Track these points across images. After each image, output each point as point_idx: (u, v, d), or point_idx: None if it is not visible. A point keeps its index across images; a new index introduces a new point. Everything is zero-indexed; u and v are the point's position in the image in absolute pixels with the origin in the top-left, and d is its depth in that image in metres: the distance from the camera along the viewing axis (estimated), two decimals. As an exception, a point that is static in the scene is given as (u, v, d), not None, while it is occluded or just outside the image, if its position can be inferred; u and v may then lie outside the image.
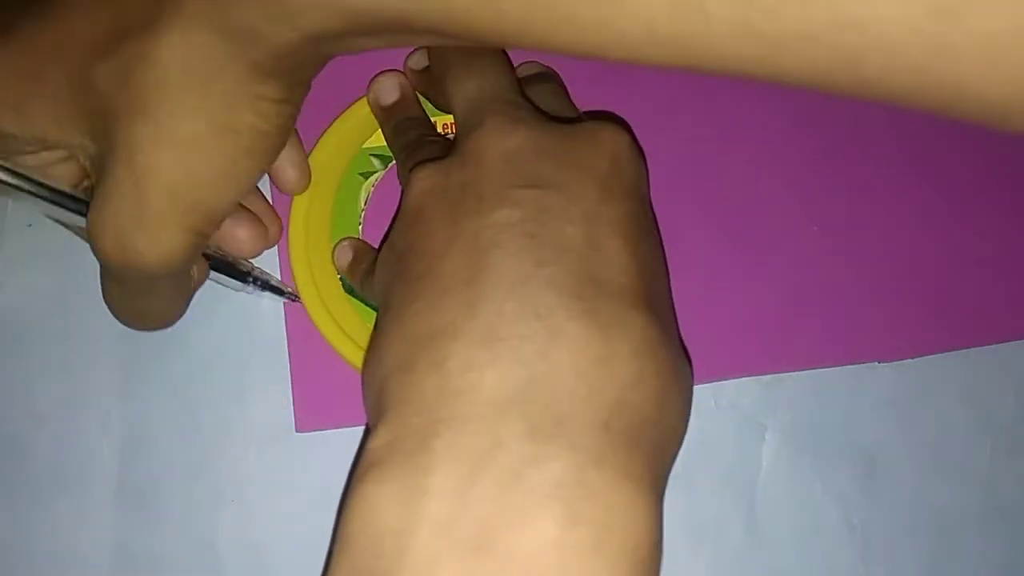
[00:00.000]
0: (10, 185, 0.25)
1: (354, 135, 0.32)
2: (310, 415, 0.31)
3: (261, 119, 0.23)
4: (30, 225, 0.33)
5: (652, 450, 0.20)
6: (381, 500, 0.19)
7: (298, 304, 0.31)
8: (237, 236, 0.29)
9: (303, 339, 0.32)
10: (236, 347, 0.32)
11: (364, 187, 0.33)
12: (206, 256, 0.29)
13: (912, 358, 0.33)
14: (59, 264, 0.33)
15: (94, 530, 0.31)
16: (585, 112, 0.30)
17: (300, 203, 0.32)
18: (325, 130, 0.32)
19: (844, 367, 0.33)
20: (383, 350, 0.22)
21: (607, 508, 0.19)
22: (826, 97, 0.36)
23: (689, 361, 0.24)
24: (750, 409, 0.33)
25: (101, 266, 0.26)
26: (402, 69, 0.32)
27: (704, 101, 0.35)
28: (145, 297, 0.27)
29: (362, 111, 0.32)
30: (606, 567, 0.18)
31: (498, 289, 0.21)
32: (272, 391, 0.32)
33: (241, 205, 0.30)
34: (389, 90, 0.31)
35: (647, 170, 0.26)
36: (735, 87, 0.35)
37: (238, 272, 0.30)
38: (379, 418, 0.21)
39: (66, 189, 0.26)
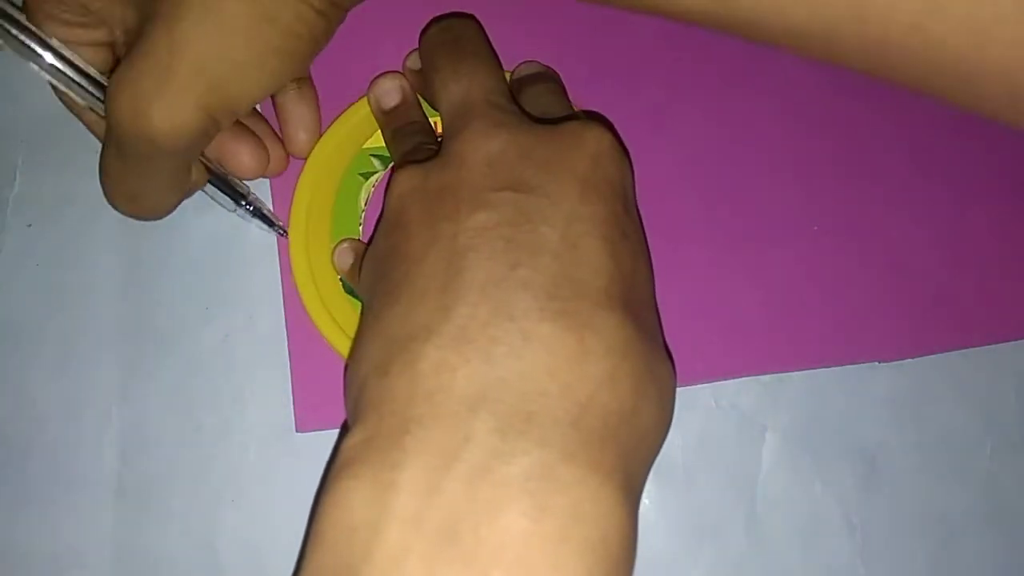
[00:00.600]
0: (30, 50, 0.27)
1: (354, 135, 0.32)
2: (310, 415, 0.31)
3: (298, 22, 0.24)
4: (30, 225, 0.33)
5: (625, 448, 0.21)
6: (353, 495, 0.19)
7: (298, 305, 0.31)
8: (240, 155, 0.30)
9: (303, 339, 0.32)
10: (236, 347, 0.32)
11: (364, 187, 0.33)
12: (208, 169, 0.30)
13: (912, 358, 0.33)
14: (59, 264, 0.33)
15: (94, 530, 0.31)
16: (582, 112, 0.30)
17: (300, 203, 0.32)
18: (325, 130, 0.32)
19: (844, 367, 0.33)
20: (362, 353, 0.23)
21: (574, 501, 0.19)
22: (826, 97, 0.36)
23: (672, 362, 0.24)
24: (750, 409, 0.33)
25: (106, 139, 0.26)
26: (401, 70, 0.32)
27: (704, 101, 0.35)
28: (142, 179, 0.27)
29: (362, 111, 0.32)
30: (573, 558, 0.18)
31: (472, 292, 0.21)
32: (272, 391, 0.32)
33: (249, 130, 0.31)
34: (390, 94, 0.31)
35: (632, 170, 0.26)
36: (735, 86, 0.35)
37: (234, 192, 0.31)
38: (355, 419, 0.22)
39: (89, 67, 0.27)
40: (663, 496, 0.32)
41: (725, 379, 0.33)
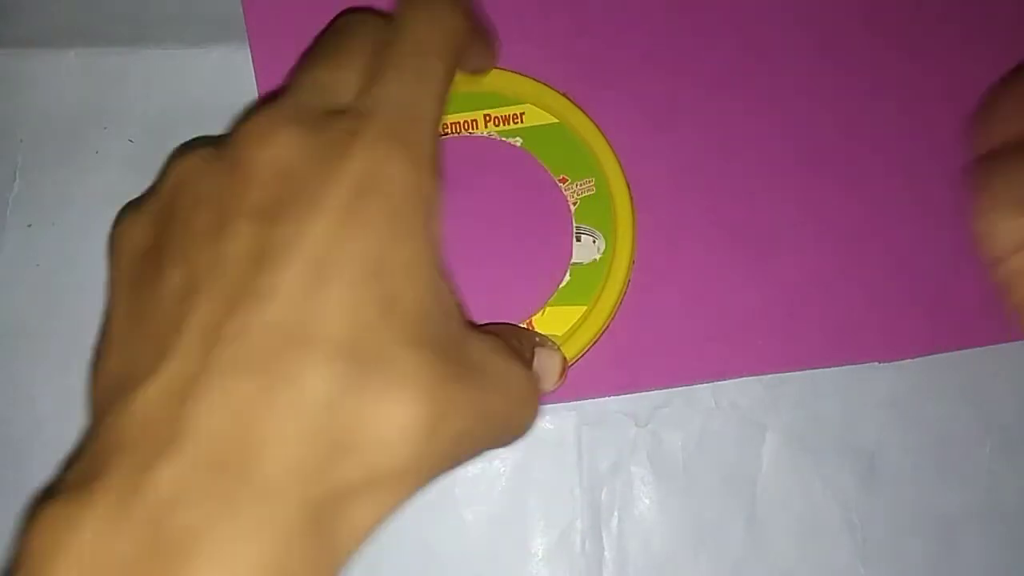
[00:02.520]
0: None
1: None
2: (310, 415, 0.31)
3: None
4: (30, 225, 0.33)
5: (312, 494, 0.20)
6: (35, 529, 0.20)
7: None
8: None
9: (303, 339, 0.32)
10: (236, 347, 0.32)
11: (364, 187, 0.32)
12: None
13: (912, 358, 0.33)
14: (59, 264, 0.33)
15: (94, 530, 0.31)
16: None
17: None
18: (325, 130, 0.32)
19: (844, 367, 0.33)
20: (90, 396, 0.23)
21: (230, 550, 0.19)
22: (827, 97, 0.36)
23: (458, 397, 0.21)
24: (750, 409, 0.33)
25: None
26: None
27: (705, 100, 0.35)
28: None
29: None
30: None
31: (189, 343, 0.20)
32: (272, 391, 0.32)
33: None
34: None
35: (427, 187, 0.22)
36: (735, 86, 0.35)
37: None
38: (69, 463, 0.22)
39: None
40: (663, 496, 0.32)
41: (725, 379, 0.33)
